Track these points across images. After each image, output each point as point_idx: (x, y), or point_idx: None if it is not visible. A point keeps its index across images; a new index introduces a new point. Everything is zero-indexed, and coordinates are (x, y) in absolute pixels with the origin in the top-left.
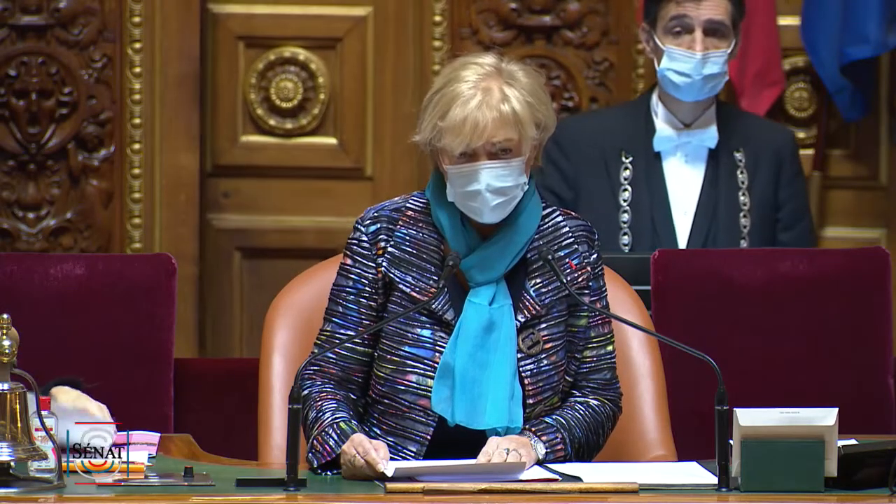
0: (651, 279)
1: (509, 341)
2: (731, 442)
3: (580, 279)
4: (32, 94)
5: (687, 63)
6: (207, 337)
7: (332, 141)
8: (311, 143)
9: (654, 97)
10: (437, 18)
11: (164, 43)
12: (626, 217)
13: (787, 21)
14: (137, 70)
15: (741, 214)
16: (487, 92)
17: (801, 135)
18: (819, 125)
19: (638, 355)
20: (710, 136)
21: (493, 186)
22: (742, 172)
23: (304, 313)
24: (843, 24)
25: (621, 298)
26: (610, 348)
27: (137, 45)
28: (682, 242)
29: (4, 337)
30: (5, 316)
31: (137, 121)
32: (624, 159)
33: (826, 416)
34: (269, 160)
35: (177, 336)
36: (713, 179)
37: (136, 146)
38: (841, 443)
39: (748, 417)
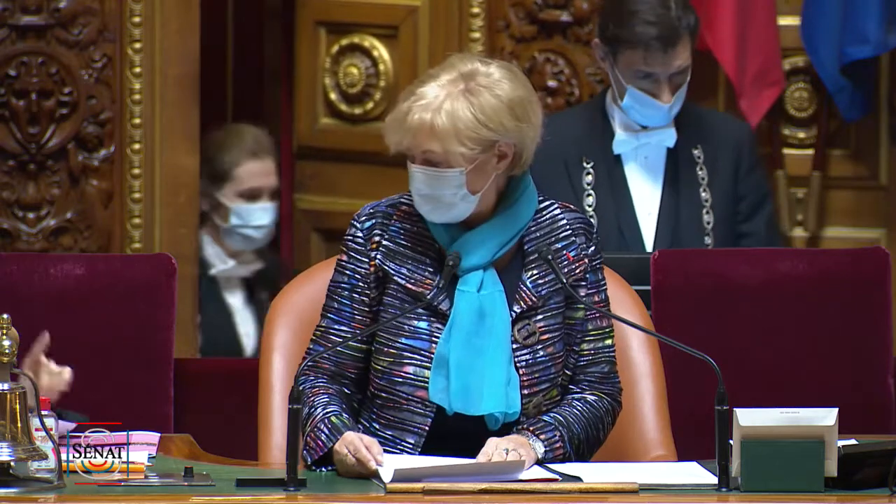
0: (651, 279)
1: (503, 328)
2: (731, 442)
3: (577, 270)
4: (32, 94)
5: (656, 110)
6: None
7: None
8: (376, 128)
9: (609, 100)
10: (475, 10)
11: (164, 43)
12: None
13: (787, 21)
14: (137, 70)
15: (704, 211)
16: (434, 99)
17: (801, 135)
18: (819, 125)
19: (638, 355)
20: (668, 135)
21: (422, 191)
22: (701, 169)
23: (304, 313)
24: (843, 24)
25: (621, 298)
26: (609, 342)
27: (137, 45)
28: (649, 243)
29: (4, 337)
30: (5, 316)
31: (137, 121)
32: (585, 164)
33: (826, 416)
34: (341, 144)
35: (177, 336)
36: (673, 178)
37: (136, 146)
38: (841, 443)
39: (748, 417)
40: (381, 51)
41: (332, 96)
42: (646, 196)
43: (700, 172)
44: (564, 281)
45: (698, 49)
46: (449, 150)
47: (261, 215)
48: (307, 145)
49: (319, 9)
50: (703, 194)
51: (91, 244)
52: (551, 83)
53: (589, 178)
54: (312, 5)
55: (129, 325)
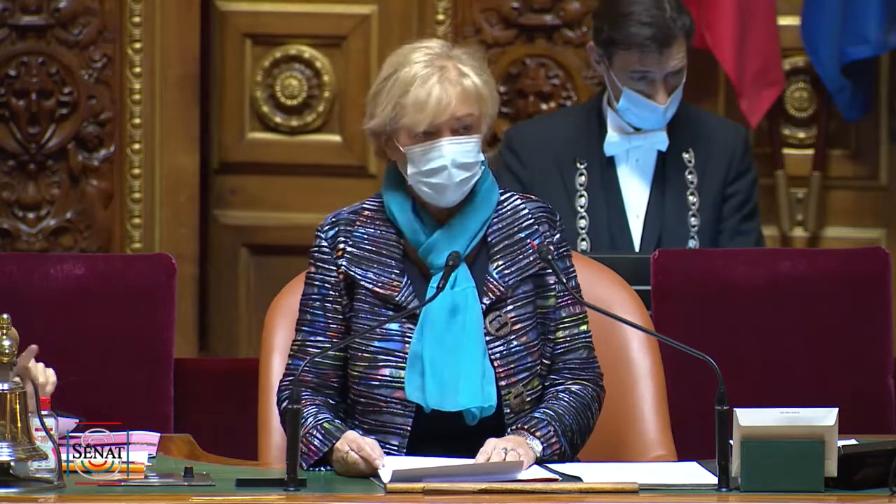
0: (651, 279)
1: (476, 323)
2: (731, 442)
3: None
4: (32, 94)
5: (651, 112)
6: (213, 334)
7: (337, 138)
8: (316, 140)
9: (605, 102)
10: (440, 17)
11: (164, 43)
12: (583, 223)
13: (787, 21)
14: (137, 70)
15: (689, 214)
16: (444, 69)
17: (801, 135)
18: (819, 125)
19: (638, 355)
20: (660, 139)
21: (457, 161)
22: (691, 173)
23: None
24: (843, 24)
25: (621, 298)
26: (584, 328)
27: (137, 45)
28: (637, 245)
29: (4, 337)
30: (5, 316)
31: (137, 121)
32: (578, 165)
33: (826, 416)
34: (274, 157)
35: (177, 336)
36: (661, 181)
37: (136, 146)
38: (841, 443)
39: (748, 417)
40: (324, 62)
41: (265, 109)
42: (635, 199)
43: (689, 176)
44: (564, 281)
45: (698, 49)
46: (486, 111)
47: None
48: (229, 161)
49: (246, 21)
50: (691, 198)
51: (91, 244)
52: (544, 88)
53: (582, 179)
54: (237, 18)
55: (129, 325)
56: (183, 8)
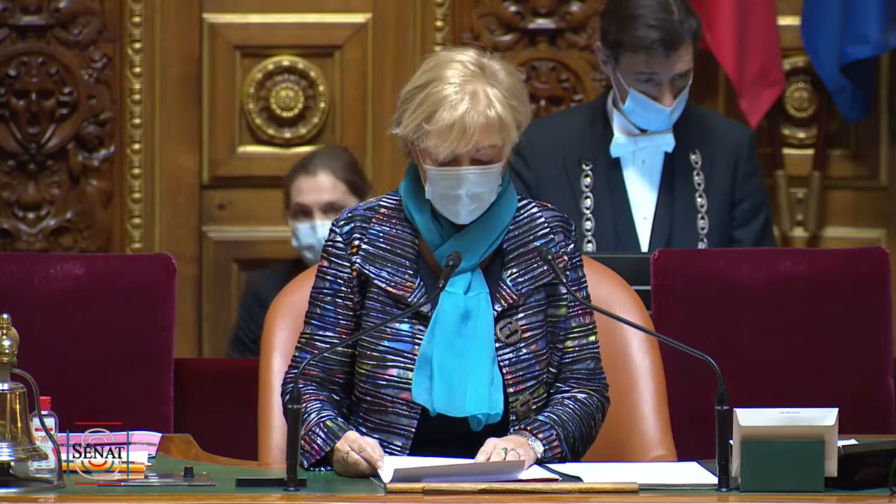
0: (651, 279)
1: (487, 329)
2: (731, 442)
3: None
4: (32, 94)
5: (657, 114)
6: (204, 346)
7: None
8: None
9: (610, 103)
10: (439, 24)
11: (164, 43)
12: (588, 225)
13: (787, 21)
14: (137, 70)
15: (698, 216)
16: (474, 96)
17: (801, 135)
18: (819, 125)
19: (638, 355)
20: (666, 141)
21: (472, 192)
22: (698, 174)
23: (303, 313)
24: (843, 24)
25: (621, 298)
26: (592, 338)
27: (137, 46)
28: (644, 248)
29: (4, 337)
30: (5, 316)
31: (137, 121)
32: (584, 167)
33: (826, 416)
34: (266, 170)
35: (177, 336)
36: (669, 183)
37: (136, 146)
38: (841, 443)
39: (748, 417)
40: (318, 72)
41: (258, 121)
42: (642, 200)
43: (697, 178)
44: (565, 281)
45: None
46: (509, 138)
47: (307, 234)
48: (220, 175)
49: (236, 34)
50: (699, 200)
51: (91, 244)
52: (555, 92)
53: (587, 181)
54: (227, 30)
55: (129, 325)
56: (183, 8)
